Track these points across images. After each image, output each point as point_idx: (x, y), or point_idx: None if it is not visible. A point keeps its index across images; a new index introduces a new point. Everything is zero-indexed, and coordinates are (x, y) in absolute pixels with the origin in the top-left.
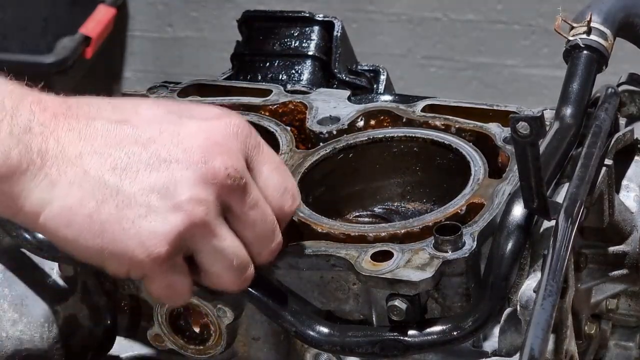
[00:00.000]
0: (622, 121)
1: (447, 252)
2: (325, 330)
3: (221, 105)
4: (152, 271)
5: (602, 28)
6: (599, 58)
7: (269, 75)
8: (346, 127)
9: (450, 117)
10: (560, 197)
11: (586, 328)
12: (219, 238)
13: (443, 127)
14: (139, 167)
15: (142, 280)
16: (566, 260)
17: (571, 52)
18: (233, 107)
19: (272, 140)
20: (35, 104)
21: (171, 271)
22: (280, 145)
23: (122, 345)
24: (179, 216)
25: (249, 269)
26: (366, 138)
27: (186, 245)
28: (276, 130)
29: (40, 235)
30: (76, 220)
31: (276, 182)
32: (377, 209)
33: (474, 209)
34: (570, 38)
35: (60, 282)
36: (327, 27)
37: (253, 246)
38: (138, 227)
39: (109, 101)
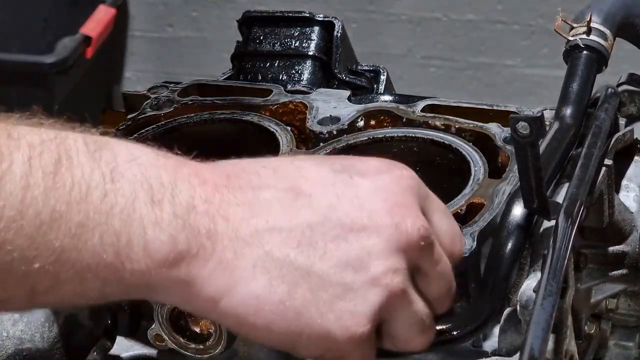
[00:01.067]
0: (622, 121)
1: None
2: None
3: (224, 106)
4: (350, 350)
5: (602, 28)
6: (599, 58)
7: (269, 76)
8: (346, 127)
9: (450, 117)
10: (560, 197)
11: (586, 328)
12: (413, 304)
13: (443, 127)
14: (325, 241)
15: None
16: (566, 260)
17: (571, 52)
18: (233, 106)
19: (272, 140)
20: (193, 177)
21: (367, 347)
22: (281, 145)
23: (123, 345)
24: (378, 291)
25: (433, 327)
26: (366, 138)
27: (384, 316)
28: (276, 130)
29: None
30: (266, 308)
31: (447, 228)
32: None
33: (474, 209)
34: (570, 38)
35: None
36: (327, 27)
37: (438, 299)
38: (337, 309)
39: (264, 165)
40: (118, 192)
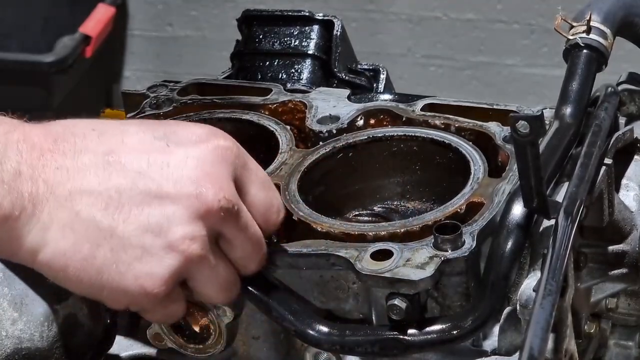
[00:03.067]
0: (622, 120)
1: (446, 251)
2: (325, 329)
3: (223, 105)
4: (151, 306)
5: (602, 27)
6: (599, 57)
7: (269, 75)
8: (346, 126)
9: (450, 116)
10: (560, 196)
11: (586, 327)
12: (213, 266)
13: (443, 126)
14: (131, 205)
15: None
16: (566, 260)
17: (571, 51)
18: (233, 105)
19: (272, 140)
20: (22, 142)
21: (168, 302)
22: (280, 144)
23: (122, 345)
24: (174, 256)
25: (237, 285)
26: (366, 137)
27: (182, 277)
28: (276, 130)
29: None
30: (71, 264)
31: (262, 198)
32: (377, 208)
33: (473, 208)
34: (570, 37)
35: None
36: (326, 26)
37: (242, 261)
38: (135, 270)
39: (93, 127)
40: None
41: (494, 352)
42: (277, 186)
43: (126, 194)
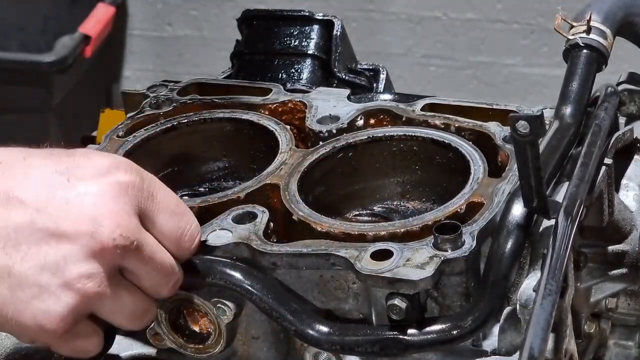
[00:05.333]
0: (622, 120)
1: (446, 251)
2: (324, 329)
3: (223, 105)
4: (53, 342)
5: (602, 27)
6: (599, 57)
7: (269, 74)
8: (346, 126)
9: (450, 116)
10: (559, 196)
11: (586, 327)
12: (116, 299)
13: (442, 126)
14: (29, 244)
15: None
16: (566, 259)
17: (571, 51)
18: (233, 105)
19: (272, 140)
20: None
21: (74, 338)
22: (280, 144)
23: (122, 344)
24: (71, 294)
25: (151, 309)
26: (366, 137)
27: (83, 313)
28: (276, 129)
29: None
30: None
31: (172, 227)
32: (377, 208)
33: (473, 208)
34: (570, 37)
35: None
36: (326, 26)
37: (152, 289)
38: (32, 308)
39: (1, 160)
40: None
41: (494, 352)
42: (277, 186)
43: (24, 233)
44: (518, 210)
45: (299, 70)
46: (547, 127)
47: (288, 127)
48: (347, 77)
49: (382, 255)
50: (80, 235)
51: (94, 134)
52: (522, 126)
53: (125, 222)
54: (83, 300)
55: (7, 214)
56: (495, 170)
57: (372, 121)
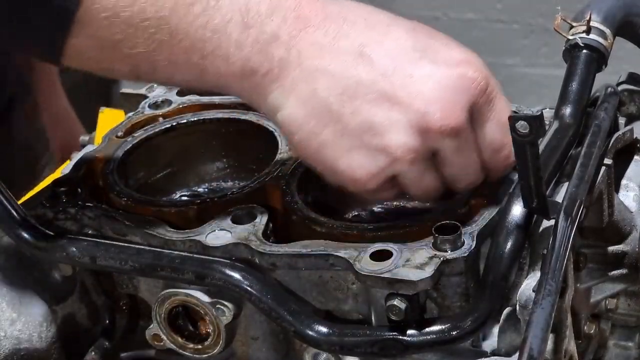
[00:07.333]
0: (622, 120)
1: (446, 251)
2: (324, 329)
3: (222, 105)
4: (360, 191)
5: (601, 27)
6: (599, 57)
7: None
8: None
9: None
10: (559, 197)
11: (585, 328)
12: (419, 175)
13: None
14: (363, 100)
15: None
16: (565, 260)
17: (570, 51)
18: (232, 105)
19: (271, 140)
20: (291, 10)
21: (376, 191)
22: (280, 144)
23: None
24: (385, 159)
25: (440, 191)
26: None
27: (392, 175)
28: (275, 130)
29: (38, 235)
30: (298, 132)
31: (495, 137)
32: (377, 208)
33: (473, 208)
34: (570, 37)
35: (59, 281)
36: None
37: (450, 178)
38: (350, 158)
39: (365, 17)
40: (217, 11)
41: (494, 353)
42: (276, 187)
43: (363, 89)
44: (518, 210)
45: None
46: (547, 127)
47: None
48: None
49: (381, 256)
50: (412, 110)
51: (93, 134)
52: (522, 126)
53: (456, 115)
54: (394, 167)
55: (355, 66)
56: None
57: None
